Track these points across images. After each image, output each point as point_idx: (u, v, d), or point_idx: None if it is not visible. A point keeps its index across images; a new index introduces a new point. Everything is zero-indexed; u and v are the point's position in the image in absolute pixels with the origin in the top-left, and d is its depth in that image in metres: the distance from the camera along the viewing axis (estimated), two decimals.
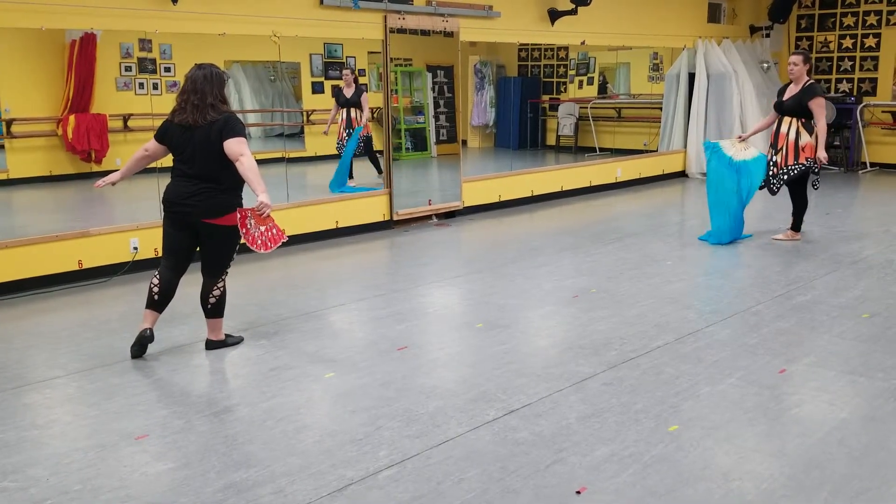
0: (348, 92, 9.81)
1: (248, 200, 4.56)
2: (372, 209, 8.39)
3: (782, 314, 5.26)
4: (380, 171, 9.31)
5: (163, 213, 4.61)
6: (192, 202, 4.42)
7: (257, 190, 4.34)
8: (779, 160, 7.34)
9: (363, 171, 9.80)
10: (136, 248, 6.57)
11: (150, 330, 4.56)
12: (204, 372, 4.47)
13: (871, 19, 12.66)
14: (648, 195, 10.87)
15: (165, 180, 4.63)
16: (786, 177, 7.33)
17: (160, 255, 6.65)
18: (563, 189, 10.51)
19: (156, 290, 4.57)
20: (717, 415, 3.72)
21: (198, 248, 4.64)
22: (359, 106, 9.76)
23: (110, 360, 4.53)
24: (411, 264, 7.06)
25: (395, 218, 8.52)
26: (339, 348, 4.75)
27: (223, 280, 4.68)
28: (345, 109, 9.82)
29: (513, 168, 10.60)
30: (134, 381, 4.23)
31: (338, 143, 9.89)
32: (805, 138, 7.20)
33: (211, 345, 4.72)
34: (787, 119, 7.30)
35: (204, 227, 4.48)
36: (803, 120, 7.21)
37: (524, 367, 4.35)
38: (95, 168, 9.67)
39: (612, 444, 3.43)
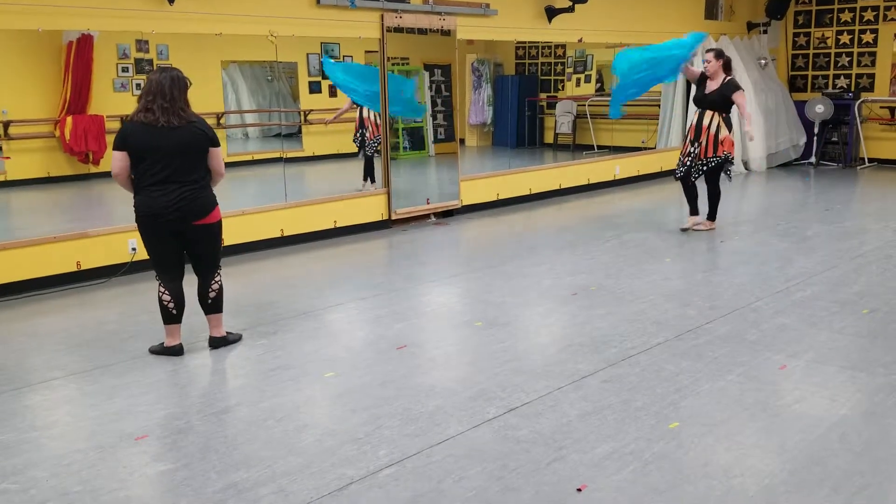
0: None
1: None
2: (370, 209, 8.38)
3: (782, 310, 5.26)
4: (372, 181, 9.03)
5: (142, 229, 4.45)
6: (181, 206, 4.35)
7: None
8: (698, 152, 7.62)
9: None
10: (134, 249, 6.56)
11: (181, 345, 4.62)
12: (203, 372, 4.46)
13: (869, 15, 12.66)
14: (647, 192, 10.87)
15: None
16: (704, 168, 7.65)
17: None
18: (562, 187, 10.50)
19: (171, 305, 4.54)
20: (718, 411, 3.72)
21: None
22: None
23: (109, 362, 4.52)
24: (410, 263, 7.05)
25: (394, 217, 8.52)
26: (338, 348, 4.74)
27: (219, 275, 4.68)
28: (361, 108, 9.30)
29: (511, 166, 10.59)
30: (133, 382, 4.22)
31: (358, 143, 9.37)
32: (724, 132, 7.55)
33: (215, 342, 4.71)
34: (709, 113, 7.61)
35: (193, 229, 4.44)
36: (724, 115, 7.55)
37: (523, 365, 4.35)
38: (93, 169, 9.65)
39: (613, 441, 3.43)
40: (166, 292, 4.53)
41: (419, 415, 3.73)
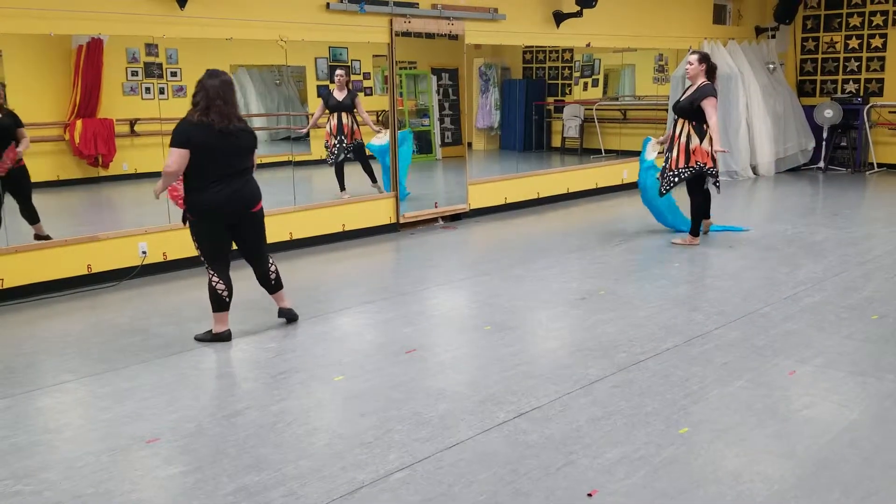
0: (340, 95, 9.17)
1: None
2: (378, 212, 8.41)
3: (791, 316, 5.25)
4: (374, 181, 9.05)
5: (203, 223, 4.78)
6: (237, 198, 4.77)
7: None
8: (670, 163, 7.31)
9: (356, 179, 9.71)
10: (144, 253, 6.60)
11: (230, 331, 4.98)
12: (213, 376, 4.49)
13: (878, 19, 12.64)
14: None
15: None
16: (676, 179, 7.30)
17: (168, 259, 6.73)
18: (569, 191, 10.52)
19: (226, 294, 4.91)
20: (727, 417, 3.72)
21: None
22: (351, 111, 9.19)
23: (120, 365, 4.55)
24: (418, 267, 7.06)
25: (402, 221, 8.54)
26: (347, 351, 4.76)
27: (271, 256, 5.16)
28: (336, 114, 9.17)
29: (518, 170, 10.61)
30: (144, 385, 4.24)
31: (328, 152, 9.27)
32: (695, 141, 7.14)
33: (284, 313, 5.24)
34: (680, 121, 7.26)
35: (250, 216, 4.89)
36: (694, 123, 7.14)
37: (533, 370, 4.36)
38: (103, 173, 9.69)
39: (623, 446, 3.43)
40: (220, 282, 4.87)
41: (429, 419, 3.74)
